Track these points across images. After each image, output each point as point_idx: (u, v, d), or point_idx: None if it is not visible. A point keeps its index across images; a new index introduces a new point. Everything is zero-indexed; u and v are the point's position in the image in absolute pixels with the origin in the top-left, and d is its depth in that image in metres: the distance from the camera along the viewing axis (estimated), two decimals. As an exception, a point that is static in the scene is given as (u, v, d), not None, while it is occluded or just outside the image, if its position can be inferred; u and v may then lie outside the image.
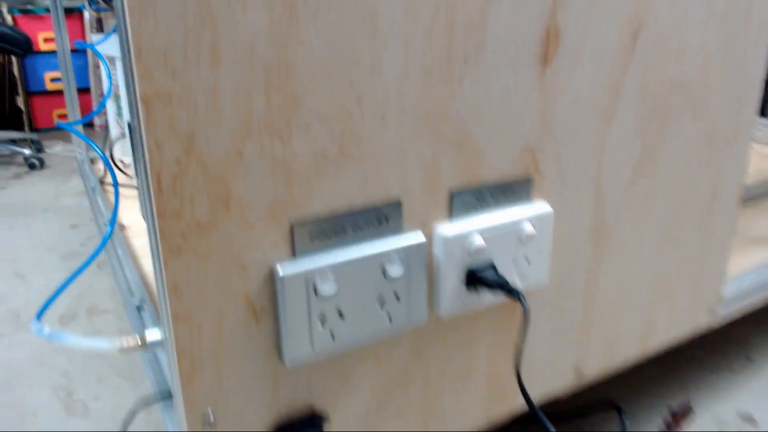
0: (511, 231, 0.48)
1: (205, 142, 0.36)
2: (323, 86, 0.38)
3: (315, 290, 0.41)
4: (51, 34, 2.73)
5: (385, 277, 0.43)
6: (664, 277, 0.64)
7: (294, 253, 0.41)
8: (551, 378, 0.60)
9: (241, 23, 0.34)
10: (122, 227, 1.05)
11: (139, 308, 0.75)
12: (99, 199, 1.23)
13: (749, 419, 0.84)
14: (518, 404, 0.58)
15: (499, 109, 0.46)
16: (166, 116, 0.34)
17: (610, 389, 0.91)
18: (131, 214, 1.12)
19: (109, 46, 1.17)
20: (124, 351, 0.56)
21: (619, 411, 0.75)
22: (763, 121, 1.86)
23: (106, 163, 1.07)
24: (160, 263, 0.38)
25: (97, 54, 1.19)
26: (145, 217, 0.39)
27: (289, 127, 0.38)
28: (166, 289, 0.38)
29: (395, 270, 0.43)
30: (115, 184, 0.90)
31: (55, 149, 2.63)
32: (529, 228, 0.48)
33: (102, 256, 1.44)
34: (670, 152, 0.58)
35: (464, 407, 0.54)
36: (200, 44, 0.34)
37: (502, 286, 0.46)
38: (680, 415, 0.86)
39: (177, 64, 0.34)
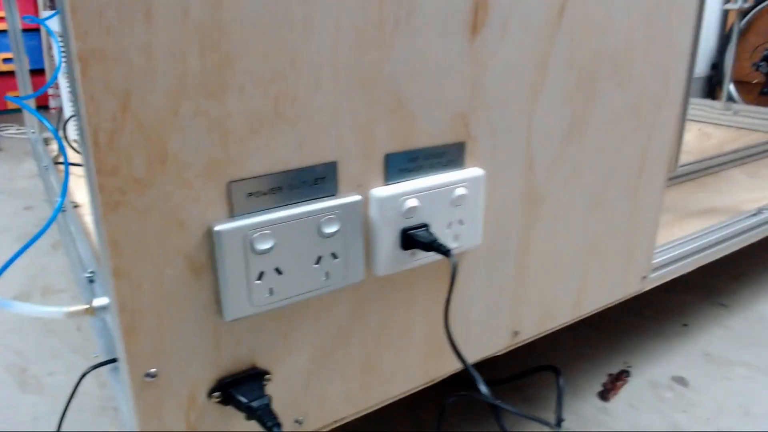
0: (444, 194, 0.51)
1: (140, 100, 0.37)
2: (257, 47, 0.40)
3: (252, 247, 0.42)
4: (2, 13, 2.66)
5: (321, 235, 0.45)
6: (595, 243, 0.68)
7: (232, 211, 0.42)
8: (488, 338, 0.63)
9: (173, -16, 0.36)
10: (76, 205, 1.05)
11: (90, 280, 0.75)
12: (52, 179, 1.21)
13: (682, 382, 0.89)
14: (457, 362, 0.61)
15: (431, 74, 0.48)
16: (102, 73, 0.36)
17: (550, 354, 0.95)
18: (85, 192, 1.12)
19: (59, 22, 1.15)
20: (71, 316, 0.57)
21: (558, 373, 0.79)
22: (710, 102, 1.93)
23: (57, 140, 1.06)
24: (99, 219, 0.39)
25: (46, 29, 1.17)
26: (86, 175, 0.40)
27: (224, 88, 0.39)
28: (106, 245, 0.39)
29: (331, 227, 0.45)
30: (66, 162, 0.89)
31: (8, 132, 2.56)
32: (461, 191, 0.51)
33: (57, 237, 1.42)
34: (598, 121, 0.62)
35: (404, 365, 0.57)
36: (134, 3, 0.35)
37: (434, 245, 0.49)
38: (617, 378, 0.90)
39: (111, 22, 0.35)
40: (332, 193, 0.46)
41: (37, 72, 2.47)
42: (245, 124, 0.41)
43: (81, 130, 0.38)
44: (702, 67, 2.68)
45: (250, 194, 0.43)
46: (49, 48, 2.48)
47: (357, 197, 0.46)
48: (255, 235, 0.42)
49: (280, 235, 0.43)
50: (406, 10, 0.45)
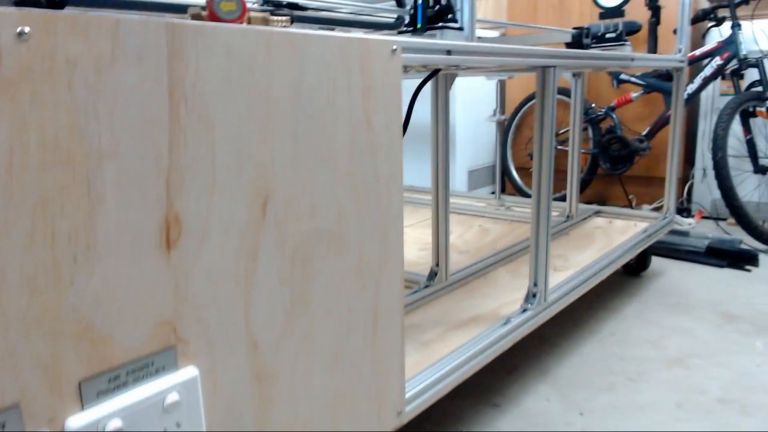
0: (154, 404, 0.51)
1: None
2: None
3: None
4: None
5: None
6: (341, 398, 0.72)
7: None
8: None
9: None
10: None
11: None
12: None
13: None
14: None
15: (123, 295, 0.49)
16: None
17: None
18: None
19: None
20: None
21: None
22: (490, 197, 2.17)
23: None
24: None
25: None
26: None
27: None
28: None
29: (15, 475, 0.43)
30: None
31: None
32: (173, 397, 0.52)
33: None
34: (320, 291, 0.67)
35: None
36: None
37: (144, 460, 0.49)
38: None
39: None
40: (19, 435, 0.45)
41: None
42: None
43: None
44: (488, 158, 3.01)
45: None
46: None
47: (46, 435, 0.45)
48: None
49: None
50: (84, 245, 0.47)
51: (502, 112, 2.23)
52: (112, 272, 0.48)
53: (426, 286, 1.26)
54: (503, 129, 2.79)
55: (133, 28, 0.48)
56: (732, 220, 2.29)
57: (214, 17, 0.63)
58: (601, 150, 2.57)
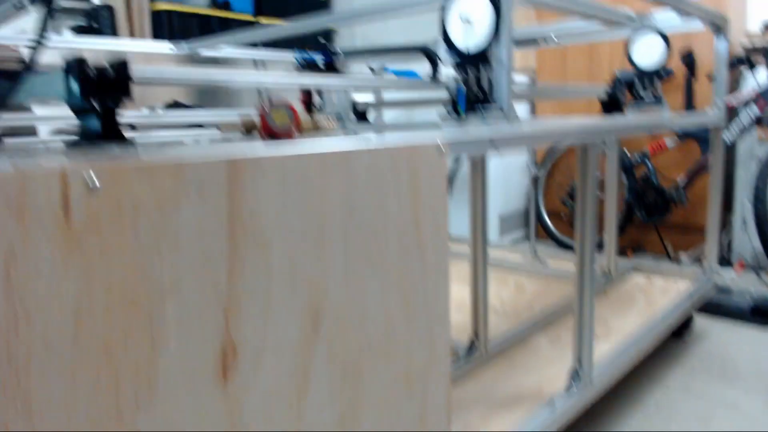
0: None
1: None
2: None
3: None
4: None
5: None
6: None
7: None
8: None
9: None
10: None
11: None
12: None
13: None
14: None
15: (182, 426, 0.49)
16: None
17: None
18: None
19: None
20: None
21: None
22: (524, 248, 2.14)
23: None
24: None
25: None
26: None
27: None
28: None
29: None
30: None
31: None
32: None
33: None
34: (370, 400, 0.66)
35: None
36: None
37: None
38: None
39: None
40: None
41: None
42: None
43: None
44: (519, 203, 2.99)
45: None
46: None
47: None
48: None
49: None
50: (145, 383, 0.47)
51: (535, 166, 2.22)
52: (170, 409, 0.49)
53: (465, 359, 1.24)
54: (536, 180, 2.78)
55: (195, 168, 0.49)
56: (775, 272, 2.23)
57: (268, 130, 0.64)
58: (635, 198, 2.54)
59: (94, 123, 0.69)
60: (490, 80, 0.91)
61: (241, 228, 0.53)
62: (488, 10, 0.87)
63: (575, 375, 1.10)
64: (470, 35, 0.90)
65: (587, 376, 1.10)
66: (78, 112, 0.70)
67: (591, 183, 1.08)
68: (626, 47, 1.59)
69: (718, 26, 1.61)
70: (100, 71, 0.68)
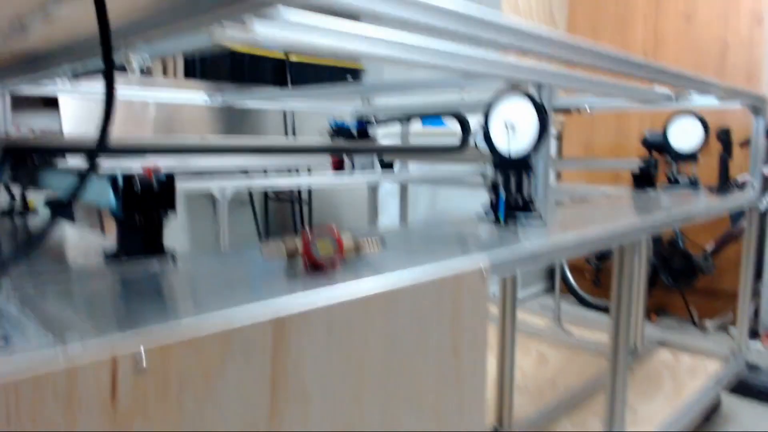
0: None
1: None
2: None
3: None
4: None
5: None
6: None
7: None
8: None
9: None
10: None
11: None
12: None
13: None
14: None
15: None
16: None
17: None
18: None
19: None
20: None
21: None
22: (544, 316, 2.11)
23: None
24: None
25: None
26: None
27: None
28: None
29: None
30: None
31: None
32: None
33: None
34: None
35: None
36: None
37: None
38: None
39: None
40: None
41: None
42: None
43: None
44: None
45: None
46: None
47: None
48: None
49: None
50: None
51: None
52: None
53: (488, 448, 1.22)
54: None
55: (242, 333, 0.48)
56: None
57: (312, 260, 0.63)
58: (661, 262, 2.49)
59: (137, 238, 0.69)
60: (530, 187, 0.90)
61: (283, 384, 0.51)
62: (533, 120, 0.86)
63: (604, 482, 1.06)
64: (513, 140, 0.89)
65: (617, 485, 1.06)
66: (120, 223, 0.69)
67: (627, 283, 1.05)
68: (664, 127, 1.57)
69: (758, 108, 1.59)
70: (146, 185, 0.68)
